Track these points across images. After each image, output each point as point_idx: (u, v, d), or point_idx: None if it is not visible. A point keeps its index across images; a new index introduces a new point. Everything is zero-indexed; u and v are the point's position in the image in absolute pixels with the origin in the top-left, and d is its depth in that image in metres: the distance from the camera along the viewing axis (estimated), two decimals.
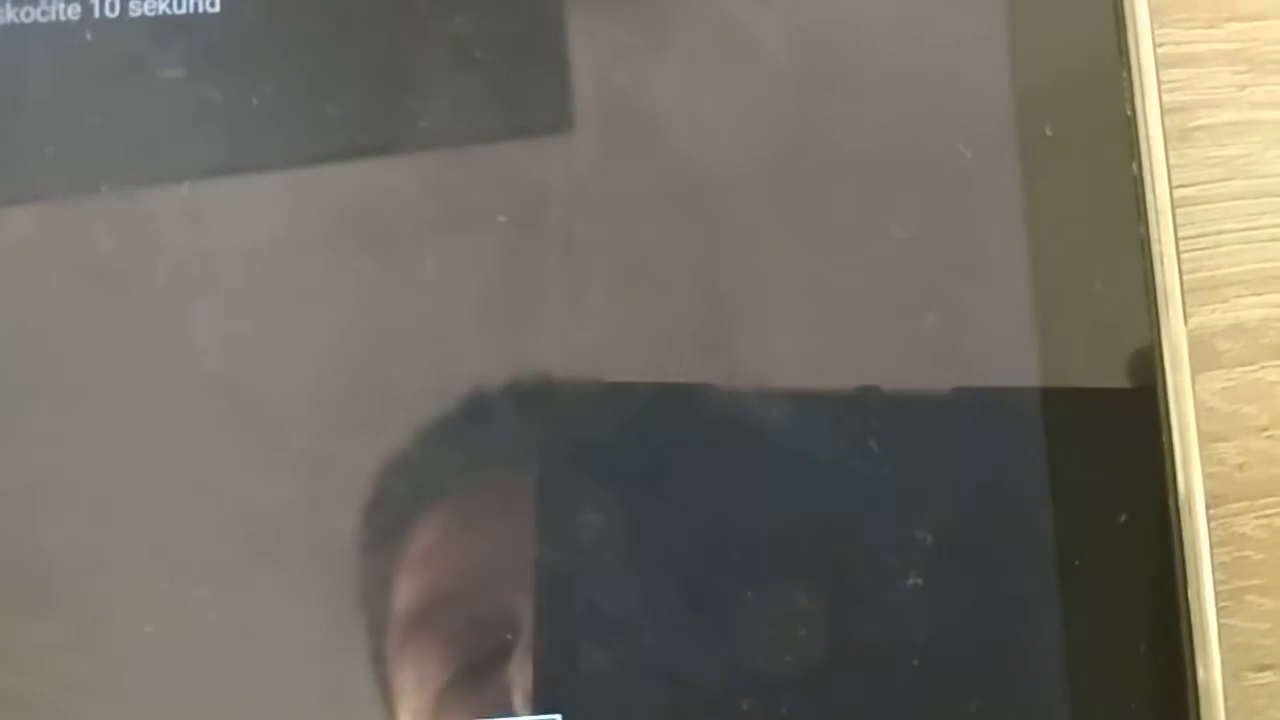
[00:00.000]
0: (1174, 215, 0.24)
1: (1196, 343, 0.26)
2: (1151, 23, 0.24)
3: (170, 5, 0.24)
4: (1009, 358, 0.23)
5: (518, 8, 0.24)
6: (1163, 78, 0.27)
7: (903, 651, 0.23)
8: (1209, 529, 0.24)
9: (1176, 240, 0.24)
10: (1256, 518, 0.26)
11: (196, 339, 0.23)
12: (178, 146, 0.24)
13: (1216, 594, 0.26)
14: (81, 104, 0.23)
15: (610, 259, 0.24)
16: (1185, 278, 0.26)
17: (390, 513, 0.23)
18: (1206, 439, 0.26)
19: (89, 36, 0.24)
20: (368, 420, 0.23)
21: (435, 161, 0.24)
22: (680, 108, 0.24)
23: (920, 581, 0.23)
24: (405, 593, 0.23)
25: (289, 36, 0.24)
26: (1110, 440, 0.23)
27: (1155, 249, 0.24)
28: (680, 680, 0.22)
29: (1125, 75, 0.24)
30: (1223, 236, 0.27)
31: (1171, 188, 0.24)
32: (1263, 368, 0.27)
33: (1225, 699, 0.25)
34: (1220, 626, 0.26)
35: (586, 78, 0.24)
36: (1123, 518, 0.23)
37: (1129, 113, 0.24)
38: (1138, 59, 0.24)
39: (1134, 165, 0.24)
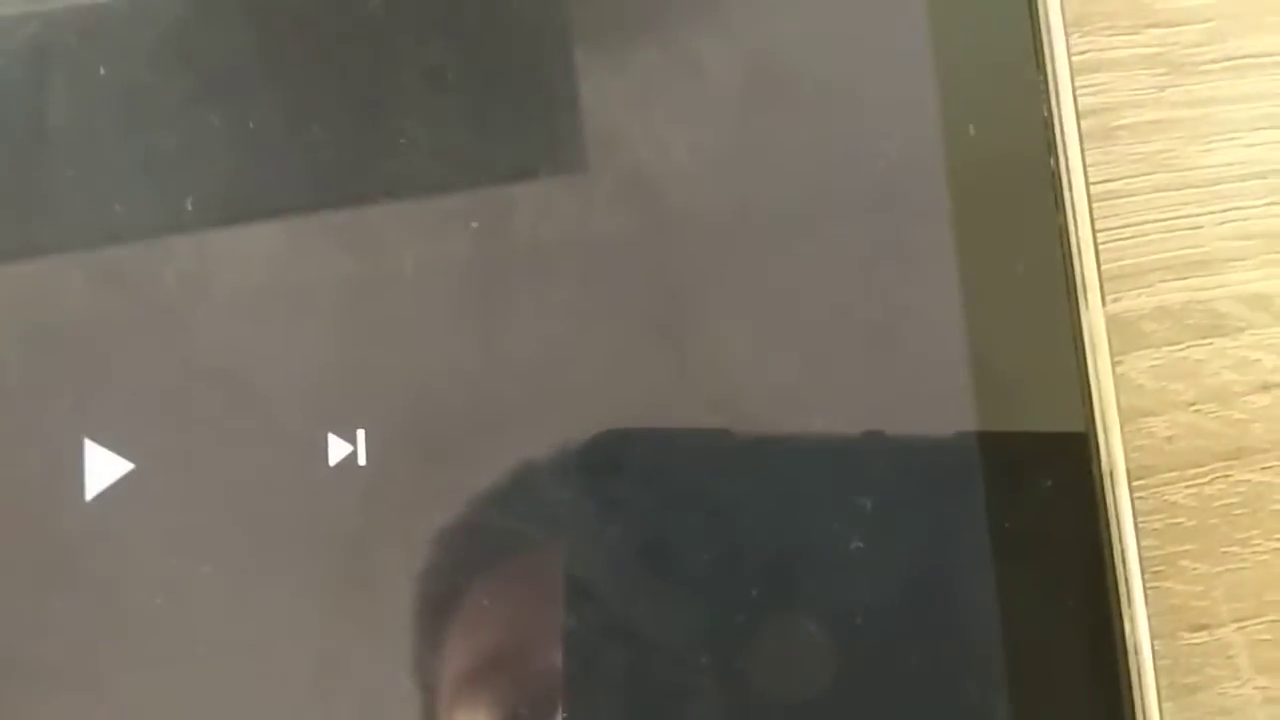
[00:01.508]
0: (1090, 207, 0.25)
1: (1125, 325, 0.28)
2: (1066, 29, 0.26)
3: None
4: (937, 335, 0.25)
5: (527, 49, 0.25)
6: (1088, 81, 0.29)
7: (844, 610, 0.24)
8: (1140, 499, 0.26)
9: (1094, 230, 0.25)
10: (1186, 487, 0.28)
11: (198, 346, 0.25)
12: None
13: (1150, 559, 0.27)
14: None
15: (621, 306, 0.25)
16: (1112, 265, 0.28)
17: (425, 578, 0.24)
18: (1137, 414, 0.28)
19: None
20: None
21: (437, 206, 0.25)
22: (681, 152, 0.25)
23: (861, 545, 0.25)
24: (449, 657, 0.23)
25: (283, 72, 0.25)
26: (1037, 416, 0.25)
27: (1073, 238, 0.25)
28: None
29: (1041, 79, 0.26)
30: (1146, 226, 0.29)
31: (1088, 182, 0.26)
32: (1188, 347, 0.28)
33: (1163, 658, 0.27)
34: (1155, 590, 0.27)
35: (598, 120, 0.25)
36: (1049, 484, 0.25)
37: (1045, 113, 0.26)
38: (1052, 62, 0.26)
39: (1051, 161, 0.26)
